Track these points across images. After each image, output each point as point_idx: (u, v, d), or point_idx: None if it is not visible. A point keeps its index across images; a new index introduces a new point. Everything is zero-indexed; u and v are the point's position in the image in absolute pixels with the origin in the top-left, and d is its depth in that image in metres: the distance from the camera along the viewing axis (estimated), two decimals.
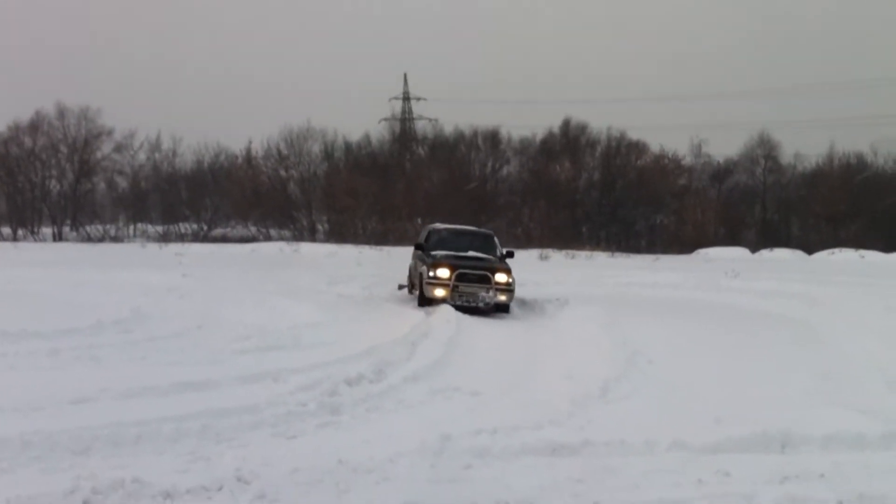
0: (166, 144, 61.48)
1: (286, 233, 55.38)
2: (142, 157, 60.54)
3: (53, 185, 58.31)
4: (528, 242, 44.12)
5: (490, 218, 45.94)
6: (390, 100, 68.43)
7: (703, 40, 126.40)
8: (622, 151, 58.51)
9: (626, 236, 56.66)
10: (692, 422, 8.44)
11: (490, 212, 51.70)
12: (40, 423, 7.36)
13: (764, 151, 61.27)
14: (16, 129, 56.07)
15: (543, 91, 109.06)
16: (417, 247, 19.93)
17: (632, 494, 6.41)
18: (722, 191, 61.64)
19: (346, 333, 14.07)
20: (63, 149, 57.52)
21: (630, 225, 57.98)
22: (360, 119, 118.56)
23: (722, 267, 32.77)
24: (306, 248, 43.01)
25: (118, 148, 58.90)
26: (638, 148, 58.61)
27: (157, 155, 61.10)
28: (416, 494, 6.16)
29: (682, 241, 52.90)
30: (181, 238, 53.33)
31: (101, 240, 52.40)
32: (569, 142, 59.26)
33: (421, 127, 67.10)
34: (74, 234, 55.57)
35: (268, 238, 53.85)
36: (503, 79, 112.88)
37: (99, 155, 58.79)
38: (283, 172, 58.15)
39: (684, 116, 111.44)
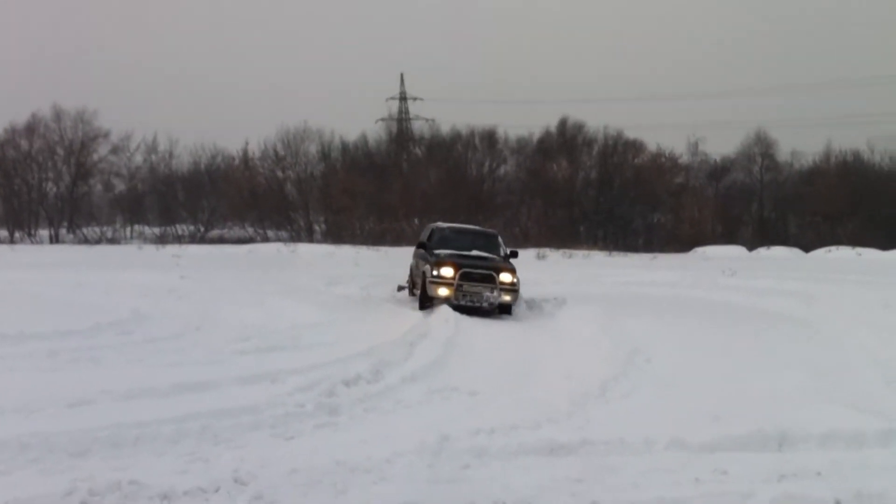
0: (163, 146, 61.70)
1: (283, 233, 55.44)
2: (138, 158, 60.78)
3: (50, 188, 58.35)
4: (525, 242, 44.14)
5: (487, 218, 45.92)
6: (387, 100, 68.55)
7: (699, 39, 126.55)
8: (619, 150, 58.67)
9: (623, 235, 56.71)
10: (690, 420, 8.45)
11: (487, 211, 51.70)
12: (38, 424, 7.35)
13: (761, 149, 61.46)
14: (12, 132, 56.17)
15: (540, 91, 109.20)
16: (420, 245, 19.65)
17: (630, 493, 6.41)
18: (719, 189, 61.79)
19: (345, 334, 14.06)
20: (60, 151, 57.56)
21: (627, 224, 58.03)
22: (357, 119, 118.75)
23: (719, 265, 32.80)
24: (304, 248, 43.00)
25: (115, 150, 59.03)
26: (635, 147, 58.84)
27: (153, 157, 61.33)
28: (415, 495, 6.16)
29: (679, 240, 52.95)
30: (178, 240, 53.32)
31: (97, 242, 52.36)
32: (566, 141, 59.37)
33: (418, 127, 67.25)
34: (71, 236, 55.53)
35: (265, 239, 53.86)
36: (500, 78, 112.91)
37: (95, 157, 58.91)
38: (279, 173, 58.25)
39: (681, 115, 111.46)
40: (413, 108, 68.41)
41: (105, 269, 25.59)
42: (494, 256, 18.49)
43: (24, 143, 56.51)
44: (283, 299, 18.67)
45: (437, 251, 18.32)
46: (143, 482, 6.07)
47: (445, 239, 19.24)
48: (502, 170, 60.19)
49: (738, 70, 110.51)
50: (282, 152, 57.59)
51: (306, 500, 6.05)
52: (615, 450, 7.47)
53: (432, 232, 19.92)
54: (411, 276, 20.44)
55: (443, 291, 17.17)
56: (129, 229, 59.66)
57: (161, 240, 52.72)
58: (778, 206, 61.05)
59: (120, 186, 60.83)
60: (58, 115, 57.01)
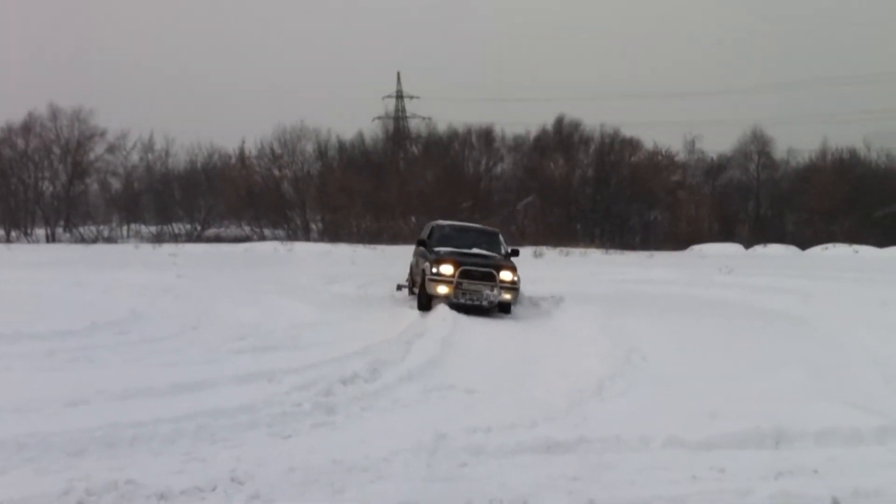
0: (159, 145, 61.68)
1: (280, 232, 55.43)
2: (135, 157, 60.74)
3: (46, 187, 58.25)
4: (522, 240, 44.11)
5: (484, 216, 45.94)
6: (384, 98, 68.54)
7: (694, 37, 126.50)
8: (616, 148, 58.67)
9: (620, 233, 56.75)
10: (687, 418, 8.45)
11: (484, 209, 51.72)
12: (35, 424, 7.34)
13: (757, 147, 61.53)
14: (8, 131, 56.04)
15: (536, 89, 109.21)
16: (420, 243, 19.44)
17: (627, 491, 6.42)
18: (716, 187, 61.85)
19: (342, 333, 14.06)
20: (56, 150, 57.49)
21: (624, 222, 58.07)
22: (354, 118, 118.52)
23: (716, 263, 32.85)
24: (300, 247, 42.98)
25: (111, 149, 59.00)
26: (631, 145, 58.80)
27: (150, 155, 61.30)
28: (412, 493, 6.17)
29: (676, 238, 53.00)
30: (175, 238, 53.29)
31: (94, 241, 52.29)
32: (562, 139, 59.41)
33: (415, 125, 67.27)
34: (68, 235, 55.44)
35: (262, 238, 53.83)
36: (496, 77, 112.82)
37: (92, 156, 58.87)
38: (276, 172, 58.23)
39: (678, 113, 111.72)
40: (410, 107, 68.54)
41: (102, 269, 25.55)
42: (495, 255, 18.36)
43: (20, 142, 56.50)
44: (280, 298, 18.66)
45: (437, 249, 18.18)
46: (139, 482, 6.06)
47: (446, 237, 19.09)
48: (499, 168, 60.26)
49: (734, 68, 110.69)
50: (278, 151, 57.66)
51: (303, 499, 6.05)
52: (612, 448, 7.48)
53: (432, 230, 19.73)
54: (411, 274, 20.29)
55: (442, 289, 17.02)
56: (125, 228, 59.58)
57: (158, 239, 52.68)
58: (774, 204, 61.12)
59: (116, 185, 60.85)
60: (54, 114, 57.07)
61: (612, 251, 45.95)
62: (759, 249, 47.94)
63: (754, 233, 56.05)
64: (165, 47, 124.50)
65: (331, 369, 10.43)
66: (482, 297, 16.96)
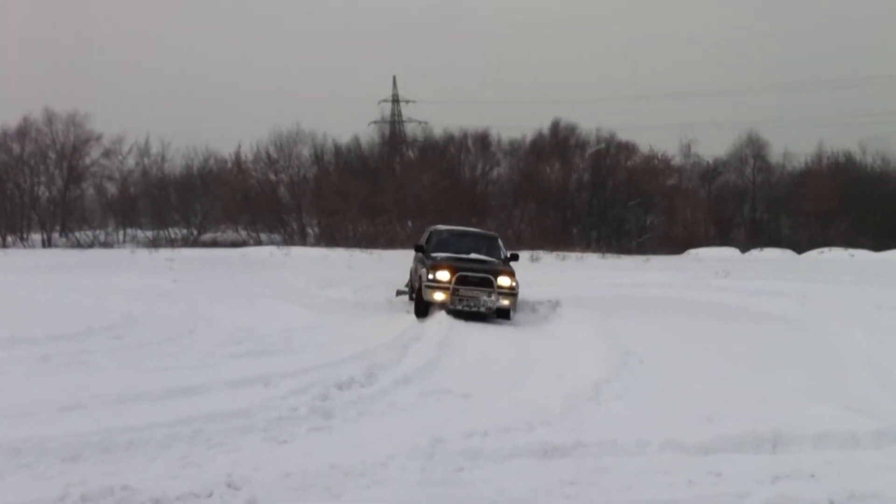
0: (155, 149, 61.48)
1: (276, 236, 55.34)
2: (131, 162, 60.51)
3: (42, 192, 58.04)
4: (518, 244, 44.11)
5: (481, 220, 45.94)
6: (379, 102, 68.58)
7: (690, 40, 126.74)
8: (612, 152, 58.64)
9: (616, 237, 56.77)
10: (684, 421, 8.45)
11: (481, 214, 51.73)
12: (30, 429, 7.32)
13: (753, 151, 61.65)
14: (3, 136, 55.80)
15: (532, 92, 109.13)
16: (417, 248, 19.20)
17: (624, 495, 6.42)
18: (711, 191, 61.90)
19: (338, 337, 14.05)
20: (51, 155, 57.29)
21: (620, 225, 58.09)
22: (350, 122, 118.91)
23: (712, 267, 32.86)
24: (297, 251, 42.91)
25: (107, 153, 58.79)
26: (627, 149, 58.79)
27: (146, 160, 61.11)
28: (408, 498, 6.16)
29: (672, 242, 53.03)
30: (171, 243, 53.18)
31: (90, 245, 52.16)
32: (558, 143, 59.36)
33: (410, 129, 67.28)
34: (64, 240, 55.33)
35: (258, 242, 53.72)
36: (492, 81, 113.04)
37: (87, 160, 58.64)
38: (272, 176, 58.13)
39: (673, 116, 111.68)
40: (406, 111, 68.57)
41: (97, 273, 25.53)
42: (494, 260, 18.09)
43: (15, 147, 56.24)
44: (277, 302, 18.64)
45: (433, 254, 17.96)
46: (135, 487, 6.05)
47: (444, 242, 18.88)
48: (495, 172, 60.26)
49: (730, 71, 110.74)
50: (274, 155, 57.54)
51: (300, 503, 6.03)
52: (608, 452, 7.47)
53: (430, 235, 19.58)
54: (411, 280, 20.02)
55: (439, 296, 16.78)
56: (121, 233, 59.45)
57: (154, 243, 52.57)
58: (770, 208, 61.18)
59: (112, 190, 60.68)
60: (49, 119, 56.88)
61: (608, 255, 45.97)
62: (755, 253, 47.97)
63: (750, 237, 56.08)
64: (162, 52, 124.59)
65: (327, 373, 10.42)
66: (479, 304, 16.71)
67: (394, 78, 69.37)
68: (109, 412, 8.17)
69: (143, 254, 40.86)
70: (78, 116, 57.11)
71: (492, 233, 21.17)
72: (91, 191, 60.36)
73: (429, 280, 16.91)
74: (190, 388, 9.32)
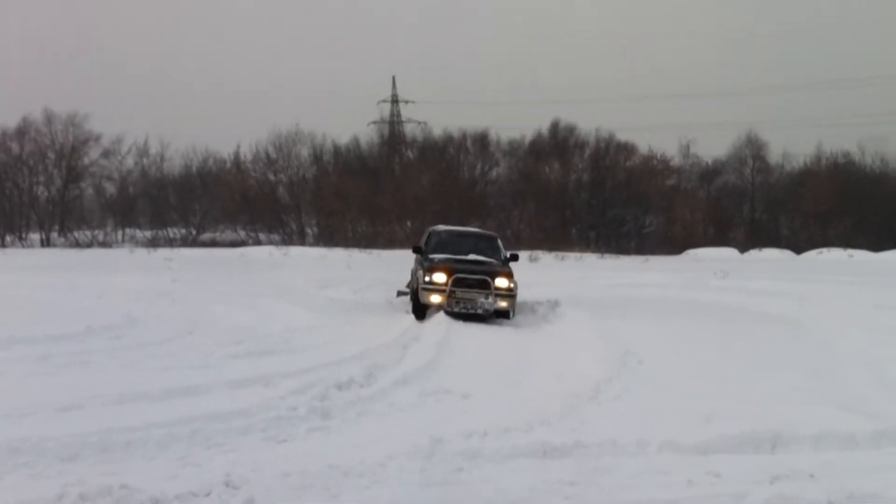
0: (154, 149, 61.50)
1: (275, 237, 55.37)
2: (130, 162, 60.56)
3: (41, 191, 58.08)
4: (517, 244, 44.13)
5: (480, 220, 45.95)
6: (379, 103, 68.55)
7: (689, 40, 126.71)
8: (611, 152, 58.65)
9: (615, 237, 56.77)
10: (683, 422, 8.45)
11: (480, 214, 51.72)
12: (29, 429, 7.32)
13: (752, 151, 61.64)
14: (3, 136, 55.92)
15: (531, 93, 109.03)
16: (415, 250, 19.00)
17: (623, 495, 6.41)
18: (710, 191, 61.89)
19: (337, 337, 14.05)
20: (51, 155, 57.36)
21: (619, 226, 58.09)
22: (349, 122, 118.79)
23: (711, 267, 32.85)
24: (296, 251, 42.94)
25: (106, 153, 58.86)
26: (626, 149, 58.80)
27: (145, 160, 61.14)
28: (407, 498, 6.16)
29: (671, 242, 53.05)
30: (170, 243, 53.19)
31: (89, 245, 52.19)
32: (557, 143, 59.36)
33: (410, 130, 67.28)
34: (62, 239, 55.36)
35: (257, 242, 53.74)
36: (491, 81, 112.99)
37: (87, 160, 58.71)
38: (271, 176, 58.18)
39: (672, 117, 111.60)
40: (405, 111, 68.57)
41: (96, 273, 25.53)
42: (492, 260, 17.81)
43: (14, 147, 56.34)
44: (276, 303, 18.63)
45: (431, 256, 17.77)
46: (134, 486, 6.04)
47: (442, 243, 18.67)
48: (494, 172, 60.26)
49: (729, 72, 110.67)
50: (273, 155, 57.59)
51: (299, 503, 6.03)
52: (608, 452, 7.47)
53: (429, 235, 19.42)
54: (412, 281, 19.58)
55: (435, 298, 16.57)
56: (120, 233, 59.45)
57: (153, 243, 52.57)
58: (769, 208, 61.18)
59: (111, 190, 60.70)
60: (49, 119, 56.95)
61: (607, 255, 46.00)
62: (754, 254, 48.01)
63: (749, 237, 56.10)
64: (161, 52, 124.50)
65: (326, 374, 10.42)
66: (476, 306, 16.47)
67: (393, 78, 69.47)
68: (108, 412, 8.17)
69: (142, 254, 40.87)
70: (77, 116, 57.27)
71: (491, 233, 20.85)
72: (90, 191, 60.43)
73: (425, 282, 16.74)
74: (189, 388, 9.31)
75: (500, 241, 19.35)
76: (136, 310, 16.13)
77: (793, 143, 69.72)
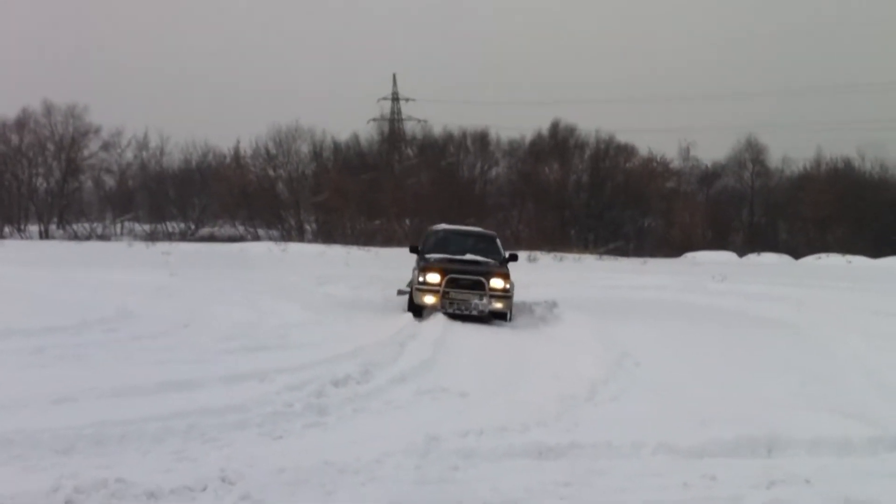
0: (154, 143, 61.51)
1: (274, 232, 55.37)
2: (129, 155, 60.62)
3: (40, 183, 58.18)
4: (516, 244, 44.14)
5: (479, 219, 45.94)
6: (379, 100, 68.46)
7: (690, 43, 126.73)
8: (611, 154, 58.68)
9: (614, 239, 56.78)
10: (679, 424, 8.44)
11: (479, 213, 51.72)
12: (23, 421, 7.30)
13: (752, 155, 61.70)
14: (2, 127, 56.05)
15: (532, 93, 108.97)
16: (412, 250, 18.80)
17: (618, 497, 6.40)
18: (710, 194, 61.93)
19: (334, 334, 14.02)
20: (50, 146, 57.41)
21: (618, 227, 58.11)
22: (349, 119, 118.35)
23: (709, 270, 32.90)
24: (294, 247, 42.94)
25: (105, 146, 58.93)
26: (626, 151, 58.82)
27: (144, 153, 61.16)
28: (403, 495, 6.14)
29: (669, 245, 53.07)
30: (168, 237, 53.21)
31: (87, 238, 52.21)
32: (557, 144, 59.36)
33: (410, 128, 67.20)
34: (61, 231, 55.38)
35: (256, 238, 53.78)
36: (492, 80, 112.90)
37: (86, 153, 58.76)
38: (271, 172, 58.16)
39: (672, 119, 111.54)
40: (405, 109, 68.49)
41: (94, 266, 25.51)
42: (489, 260, 17.60)
43: (14, 138, 56.44)
44: (273, 299, 18.62)
45: (428, 256, 17.65)
46: (129, 480, 6.02)
47: (440, 242, 18.52)
48: (494, 172, 60.29)
49: (729, 75, 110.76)
50: (273, 151, 57.58)
51: (294, 499, 6.01)
52: (603, 453, 7.45)
53: (428, 235, 19.32)
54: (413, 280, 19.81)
55: (429, 299, 16.46)
56: (119, 226, 59.44)
57: (151, 237, 52.56)
58: (768, 212, 61.22)
59: (110, 183, 60.74)
60: (48, 111, 57.01)
61: (605, 257, 46.01)
62: (752, 258, 48.07)
63: (748, 241, 56.17)
64: (162, 46, 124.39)
65: (323, 370, 10.40)
66: (470, 307, 16.34)
67: (394, 76, 69.40)
68: (103, 405, 8.15)
69: (140, 247, 40.88)
70: (77, 109, 57.36)
71: (490, 232, 20.54)
72: (89, 183, 60.47)
73: (419, 283, 16.66)
74: (185, 383, 9.29)
75: (499, 241, 19.17)
76: (132, 303, 16.08)
77: (793, 148, 70.25)
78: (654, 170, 58.85)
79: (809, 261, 46.29)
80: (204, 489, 6.08)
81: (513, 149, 59.60)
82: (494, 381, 10.87)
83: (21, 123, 56.30)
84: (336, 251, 40.43)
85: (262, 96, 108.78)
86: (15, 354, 10.61)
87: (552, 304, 18.69)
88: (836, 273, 35.12)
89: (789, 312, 19.28)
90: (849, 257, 45.00)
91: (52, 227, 56.19)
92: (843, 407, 9.54)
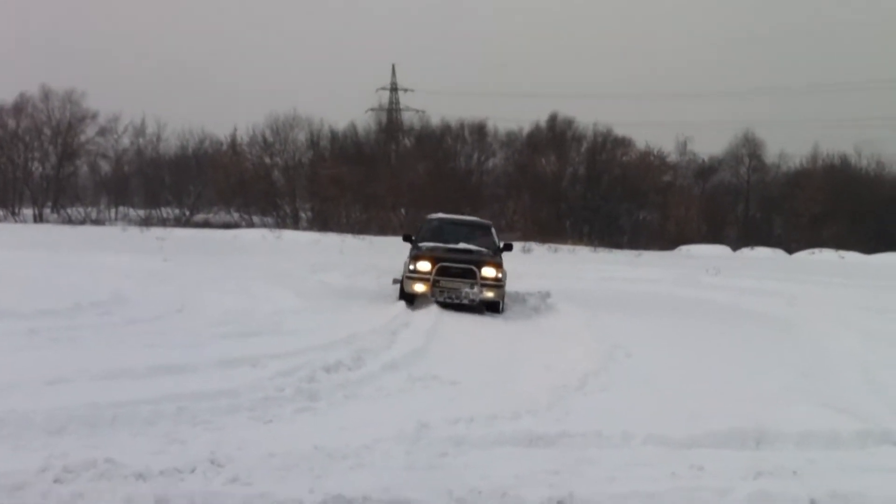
0: (150, 129, 61.29)
1: (269, 220, 55.26)
2: (125, 141, 60.43)
3: (36, 167, 58.02)
4: (511, 235, 44.09)
5: (475, 210, 45.91)
6: (377, 90, 68.37)
7: (690, 39, 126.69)
8: (608, 147, 58.65)
9: (609, 231, 56.80)
10: (669, 416, 8.46)
11: (475, 204, 51.69)
12: (15, 402, 7.29)
13: (748, 150, 61.76)
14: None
15: (530, 86, 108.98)
16: (406, 238, 18.64)
17: (607, 486, 6.41)
18: (706, 188, 61.96)
19: (327, 321, 14.04)
20: (46, 131, 57.23)
21: (613, 220, 58.12)
22: (347, 109, 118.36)
23: (703, 264, 32.94)
24: (289, 235, 42.86)
25: (102, 131, 58.73)
26: (624, 144, 58.79)
27: (140, 139, 60.96)
28: (392, 481, 6.15)
29: (664, 238, 53.13)
30: (163, 223, 53.10)
31: (82, 222, 52.12)
32: (555, 136, 59.31)
33: (408, 118, 67.10)
34: (55, 216, 55.26)
35: (250, 225, 53.69)
36: (491, 72, 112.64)
37: (82, 138, 58.57)
38: (267, 160, 58.00)
39: (670, 114, 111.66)
40: (403, 99, 68.41)
41: (88, 250, 25.45)
42: (482, 250, 17.44)
43: (10, 122, 56.24)
44: (267, 285, 18.62)
45: (420, 244, 17.58)
46: (118, 461, 6.03)
47: (434, 231, 18.46)
48: (491, 163, 60.23)
49: (727, 70, 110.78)
50: (270, 139, 57.41)
51: (283, 483, 6.02)
52: (593, 443, 7.48)
53: (423, 224, 19.24)
54: None
55: (419, 287, 16.39)
56: (113, 211, 59.35)
57: (146, 222, 52.46)
58: (764, 207, 61.30)
59: (106, 168, 60.62)
60: (46, 95, 56.81)
61: (600, 249, 46.03)
62: (746, 252, 48.14)
63: (742, 235, 56.25)
64: (160, 32, 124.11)
65: (315, 356, 10.42)
66: (461, 296, 16.24)
67: (392, 66, 69.28)
68: (95, 387, 8.15)
69: (135, 232, 40.78)
70: (74, 94, 57.16)
71: (486, 221, 20.43)
72: (84, 168, 60.35)
73: (409, 271, 16.60)
74: (176, 367, 9.30)
75: (493, 230, 19.04)
76: (126, 288, 16.08)
77: (789, 144, 70.21)
78: (650, 163, 58.82)
79: (803, 256, 46.37)
80: (193, 471, 6.10)
81: (510, 140, 59.57)
82: (486, 369, 10.90)
83: (18, 108, 56.18)
84: (331, 239, 40.38)
85: (260, 84, 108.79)
86: (8, 337, 10.59)
87: (545, 295, 18.71)
88: (829, 269, 35.20)
89: (782, 307, 19.33)
90: (842, 253, 45.09)
91: (47, 211, 56.05)
92: (832, 401, 9.57)
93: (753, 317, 17.94)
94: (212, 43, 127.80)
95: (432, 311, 15.27)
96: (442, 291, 16.34)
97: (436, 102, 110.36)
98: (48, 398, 7.58)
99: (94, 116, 57.90)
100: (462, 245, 17.56)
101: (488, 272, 16.46)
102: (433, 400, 8.93)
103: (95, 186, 60.91)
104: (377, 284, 20.36)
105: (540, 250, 41.01)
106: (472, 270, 16.38)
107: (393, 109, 68.09)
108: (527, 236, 45.05)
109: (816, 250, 47.18)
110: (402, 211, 52.25)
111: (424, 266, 16.47)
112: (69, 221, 52.47)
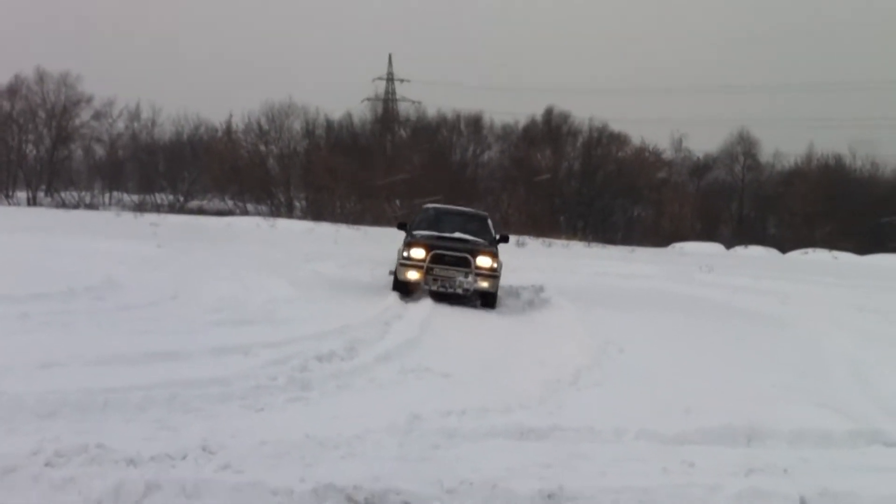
0: (146, 114, 61.57)
1: (263, 208, 55.24)
2: (120, 125, 60.45)
3: (30, 150, 58.02)
4: (505, 228, 44.08)
5: (470, 202, 45.90)
6: (374, 80, 68.35)
7: (688, 36, 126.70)
8: (603, 142, 58.72)
9: (603, 227, 56.88)
10: (661, 411, 8.46)
11: (469, 196, 51.66)
12: (7, 385, 7.27)
13: (743, 148, 62.00)
14: None
15: (527, 79, 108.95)
16: (400, 226, 18.48)
17: (598, 481, 6.41)
18: (700, 186, 62.08)
19: (320, 311, 13.99)
20: (41, 114, 57.21)
21: (608, 216, 58.21)
22: (343, 98, 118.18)
23: (696, 261, 33.02)
24: (283, 224, 42.81)
25: (97, 115, 58.74)
26: (619, 140, 58.87)
27: (135, 124, 61.00)
28: (383, 471, 6.14)
29: (658, 234, 53.22)
30: (157, 208, 53.02)
31: (75, 206, 52.00)
32: (550, 130, 59.37)
33: (404, 109, 67.18)
34: (49, 199, 55.14)
35: (244, 212, 53.64)
36: (488, 65, 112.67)
37: (77, 122, 58.57)
38: (262, 148, 58.04)
39: (666, 110, 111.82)
40: (400, 90, 68.43)
41: (82, 235, 25.37)
42: (478, 240, 17.25)
43: (5, 105, 56.17)
44: (261, 274, 18.57)
45: (414, 232, 17.42)
46: (109, 446, 6.02)
47: (429, 220, 18.29)
48: (486, 156, 60.28)
49: (724, 68, 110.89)
50: (266, 127, 57.45)
51: (274, 471, 6.01)
52: (585, 437, 7.48)
53: (418, 213, 19.12)
54: None
55: (412, 275, 16.20)
56: (107, 196, 59.25)
57: (140, 208, 52.36)
58: (758, 206, 61.45)
59: (100, 152, 60.52)
60: (41, 78, 56.80)
61: (594, 244, 46.07)
62: (739, 250, 48.25)
63: (736, 233, 56.43)
64: (157, 17, 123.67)
65: (308, 346, 10.40)
66: (455, 285, 16.04)
67: (389, 56, 69.27)
68: (87, 372, 8.12)
69: (128, 217, 40.68)
70: (69, 77, 57.17)
71: (482, 212, 20.21)
72: (79, 152, 60.27)
73: (403, 258, 16.44)
74: (169, 353, 9.27)
75: (490, 221, 18.87)
76: (119, 273, 16.00)
77: (784, 143, 70.38)
78: (646, 160, 58.95)
79: (796, 255, 46.49)
80: (184, 457, 6.09)
81: (506, 133, 59.69)
82: (478, 362, 10.89)
83: (13, 90, 56.13)
84: (325, 229, 40.34)
85: (256, 72, 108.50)
86: (0, 320, 10.56)
87: (539, 289, 18.72)
88: (821, 268, 35.32)
89: (774, 306, 19.38)
90: (835, 253, 45.20)
91: (41, 194, 55.94)
92: (825, 400, 9.60)
93: (747, 315, 17.96)
94: (209, 29, 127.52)
95: (426, 304, 15.26)
96: (435, 280, 16.14)
97: (432, 94, 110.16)
98: (40, 382, 7.55)
99: (90, 100, 58.00)
100: (457, 234, 17.39)
101: (483, 261, 16.25)
102: (425, 392, 8.92)
103: (89, 171, 60.84)
104: (371, 275, 20.31)
105: (534, 244, 41.03)
106: (466, 259, 16.16)
107: (389, 99, 68.13)
108: (521, 230, 45.05)
109: (809, 250, 47.31)
110: (397, 201, 52.18)
111: (418, 253, 16.28)
112: (63, 205, 52.35)
